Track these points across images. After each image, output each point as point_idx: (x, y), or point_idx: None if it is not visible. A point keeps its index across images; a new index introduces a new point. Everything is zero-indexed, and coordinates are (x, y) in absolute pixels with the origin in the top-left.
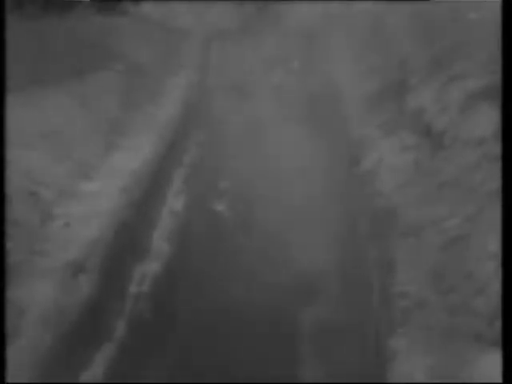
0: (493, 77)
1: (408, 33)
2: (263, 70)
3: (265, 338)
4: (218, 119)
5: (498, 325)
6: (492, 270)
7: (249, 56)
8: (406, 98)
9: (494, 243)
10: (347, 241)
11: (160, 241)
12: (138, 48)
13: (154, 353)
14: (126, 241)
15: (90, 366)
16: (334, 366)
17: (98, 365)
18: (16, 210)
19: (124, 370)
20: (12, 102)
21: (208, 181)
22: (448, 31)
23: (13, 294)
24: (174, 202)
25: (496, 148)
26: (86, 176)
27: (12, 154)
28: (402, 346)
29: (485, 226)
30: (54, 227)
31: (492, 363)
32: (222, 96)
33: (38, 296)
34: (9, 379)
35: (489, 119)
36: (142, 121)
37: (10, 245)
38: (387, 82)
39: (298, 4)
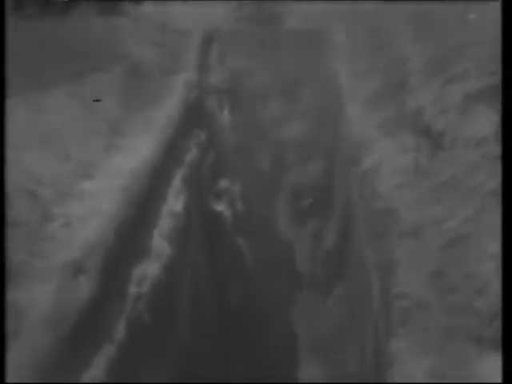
0: (492, 77)
1: (408, 33)
2: (261, 71)
3: None
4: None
5: (497, 325)
6: (492, 271)
7: (247, 55)
8: (405, 98)
9: (493, 244)
10: None
11: (160, 241)
12: (138, 49)
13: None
14: (125, 241)
15: (90, 367)
16: None
17: (98, 365)
18: (16, 210)
19: (124, 370)
20: (12, 102)
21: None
22: (448, 32)
23: (13, 295)
24: (174, 201)
25: (495, 148)
26: (86, 176)
27: (12, 154)
28: (402, 346)
29: (484, 227)
30: (53, 227)
31: (492, 363)
32: (220, 97)
33: (38, 297)
34: (9, 379)
35: (488, 120)
36: (142, 121)
37: (10, 245)
38: (387, 82)
39: (298, 4)
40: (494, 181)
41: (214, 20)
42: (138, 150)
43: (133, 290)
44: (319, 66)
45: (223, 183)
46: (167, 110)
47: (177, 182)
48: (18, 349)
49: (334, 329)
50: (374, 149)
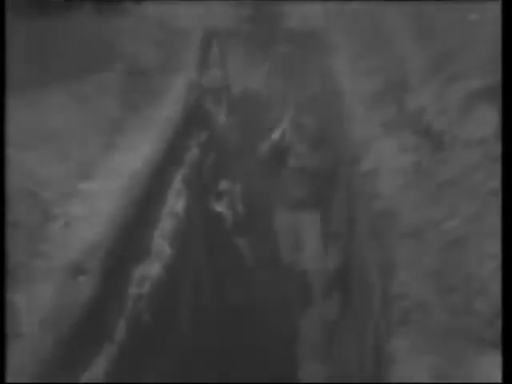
0: (493, 77)
1: (408, 33)
2: (260, 71)
3: None
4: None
5: (497, 325)
6: (492, 271)
7: (247, 54)
8: (405, 98)
9: (493, 244)
10: None
11: (161, 241)
12: (138, 48)
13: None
14: (126, 241)
15: (90, 367)
16: None
17: (98, 366)
18: (16, 210)
19: (124, 370)
20: (12, 102)
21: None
22: (448, 31)
23: (13, 295)
24: (174, 202)
25: (496, 148)
26: (86, 176)
27: (12, 154)
28: (402, 346)
29: (485, 227)
30: (53, 228)
31: (492, 363)
32: (220, 97)
33: (38, 298)
34: (9, 379)
35: (489, 119)
36: (142, 120)
37: (9, 246)
38: (387, 82)
39: (298, 4)
40: (494, 181)
41: (214, 20)
42: (139, 150)
43: (133, 290)
44: (318, 65)
45: (224, 184)
46: (167, 109)
47: (177, 182)
48: (18, 349)
49: (334, 329)
50: (374, 148)
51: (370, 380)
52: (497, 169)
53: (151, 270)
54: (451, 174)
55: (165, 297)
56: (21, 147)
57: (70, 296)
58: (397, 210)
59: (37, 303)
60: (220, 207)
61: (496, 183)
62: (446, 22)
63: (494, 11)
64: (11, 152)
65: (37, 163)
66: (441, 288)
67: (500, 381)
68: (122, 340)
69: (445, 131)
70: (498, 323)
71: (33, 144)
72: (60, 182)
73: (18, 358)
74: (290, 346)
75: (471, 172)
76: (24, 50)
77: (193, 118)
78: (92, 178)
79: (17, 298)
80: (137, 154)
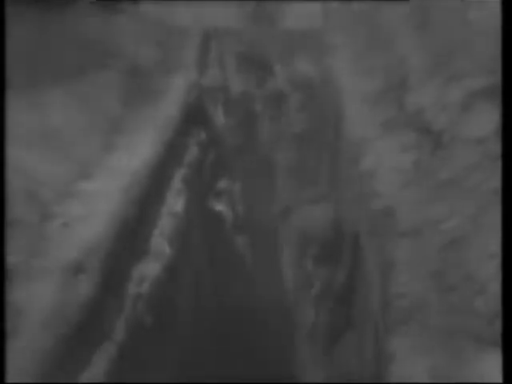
0: (493, 77)
1: (408, 32)
2: (260, 70)
3: None
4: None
5: (497, 325)
6: (492, 271)
7: (247, 54)
8: (405, 97)
9: (493, 243)
10: None
11: (160, 240)
12: (137, 47)
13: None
14: (125, 241)
15: (89, 367)
16: None
17: (98, 365)
18: (15, 209)
19: (123, 370)
20: (12, 101)
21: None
22: (448, 31)
23: (12, 295)
24: (174, 202)
25: (496, 147)
26: (86, 176)
27: (11, 153)
28: (402, 346)
29: (485, 226)
30: (53, 227)
31: (492, 363)
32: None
33: (37, 297)
34: (9, 379)
35: (489, 119)
36: (142, 120)
37: (9, 245)
38: (387, 81)
39: (298, 3)
40: (494, 179)
41: (213, 19)
42: (138, 150)
43: (133, 289)
44: (318, 65)
45: (223, 183)
46: (167, 108)
47: (176, 181)
48: (17, 349)
49: (334, 328)
50: (374, 147)
51: (370, 379)
52: (497, 167)
53: (150, 269)
54: (451, 172)
55: (164, 296)
56: (20, 146)
57: (70, 295)
58: (396, 209)
59: (36, 303)
60: (219, 206)
61: (496, 182)
62: (446, 22)
63: (494, 9)
64: (11, 151)
65: (36, 162)
66: (440, 287)
67: (500, 381)
68: (122, 339)
69: (445, 130)
70: (498, 323)
71: (32, 143)
72: (59, 181)
73: (18, 358)
74: (290, 346)
75: (471, 171)
76: (24, 49)
77: (192, 118)
78: (91, 177)
79: (17, 298)
80: (136, 153)
